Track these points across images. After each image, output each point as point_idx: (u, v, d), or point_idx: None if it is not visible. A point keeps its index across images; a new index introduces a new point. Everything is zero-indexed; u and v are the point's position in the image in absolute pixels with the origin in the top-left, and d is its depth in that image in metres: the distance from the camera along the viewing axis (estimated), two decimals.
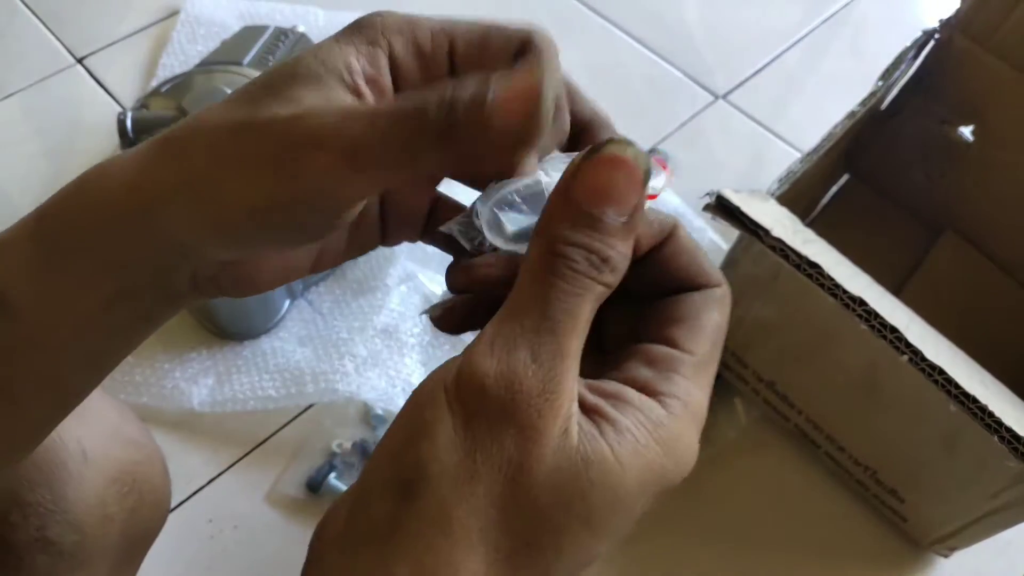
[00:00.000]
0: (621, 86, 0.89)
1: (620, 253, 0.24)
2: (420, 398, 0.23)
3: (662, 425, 0.25)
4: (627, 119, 0.86)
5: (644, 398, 0.25)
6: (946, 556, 0.61)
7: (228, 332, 0.67)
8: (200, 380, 0.65)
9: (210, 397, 0.64)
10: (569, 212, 0.24)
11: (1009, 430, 0.44)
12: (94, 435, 0.40)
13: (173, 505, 0.61)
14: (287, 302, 0.69)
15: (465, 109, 0.24)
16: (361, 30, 0.26)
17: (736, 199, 0.48)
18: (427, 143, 0.24)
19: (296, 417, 0.65)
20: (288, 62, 0.26)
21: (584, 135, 0.30)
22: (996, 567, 0.62)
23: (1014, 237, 0.73)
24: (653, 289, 0.28)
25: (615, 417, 0.24)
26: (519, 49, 0.28)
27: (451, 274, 0.29)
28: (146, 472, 0.43)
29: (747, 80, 0.91)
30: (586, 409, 0.24)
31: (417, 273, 0.72)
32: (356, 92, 0.25)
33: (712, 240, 0.76)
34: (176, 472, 0.62)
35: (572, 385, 0.23)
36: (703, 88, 0.90)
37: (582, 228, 0.24)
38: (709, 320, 0.27)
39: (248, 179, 0.24)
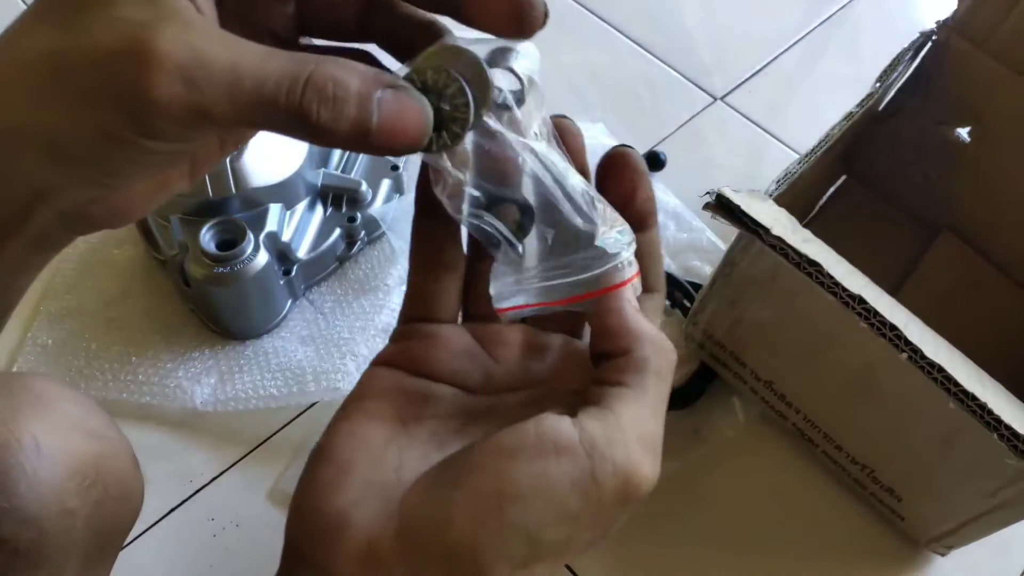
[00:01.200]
0: (620, 87, 0.90)
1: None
2: (560, 482, 0.24)
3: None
4: (626, 120, 0.86)
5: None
6: (943, 554, 0.61)
7: (230, 331, 0.68)
8: (203, 379, 0.65)
9: (212, 396, 0.65)
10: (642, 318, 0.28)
11: (1008, 427, 0.45)
12: (50, 430, 0.39)
13: (175, 504, 0.61)
14: (289, 302, 0.69)
15: (347, 129, 0.24)
16: None
17: (736, 198, 0.49)
18: (286, 129, 0.24)
19: (298, 416, 0.65)
20: None
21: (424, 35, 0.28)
22: (993, 566, 0.63)
23: (1011, 237, 0.73)
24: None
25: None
26: None
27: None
28: (110, 464, 0.41)
29: (745, 82, 0.92)
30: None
31: None
32: None
33: (710, 240, 0.76)
34: (178, 471, 0.63)
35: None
36: (701, 90, 0.91)
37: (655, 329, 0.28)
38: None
39: (81, 119, 0.23)
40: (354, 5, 0.29)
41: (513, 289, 0.28)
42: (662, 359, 0.27)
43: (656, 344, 0.27)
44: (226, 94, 0.22)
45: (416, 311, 0.32)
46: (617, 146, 0.30)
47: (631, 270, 0.28)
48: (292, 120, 0.23)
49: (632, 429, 0.25)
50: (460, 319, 0.33)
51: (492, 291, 0.28)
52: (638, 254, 0.29)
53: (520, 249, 0.28)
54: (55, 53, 0.23)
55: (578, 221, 0.27)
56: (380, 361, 0.31)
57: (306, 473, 0.27)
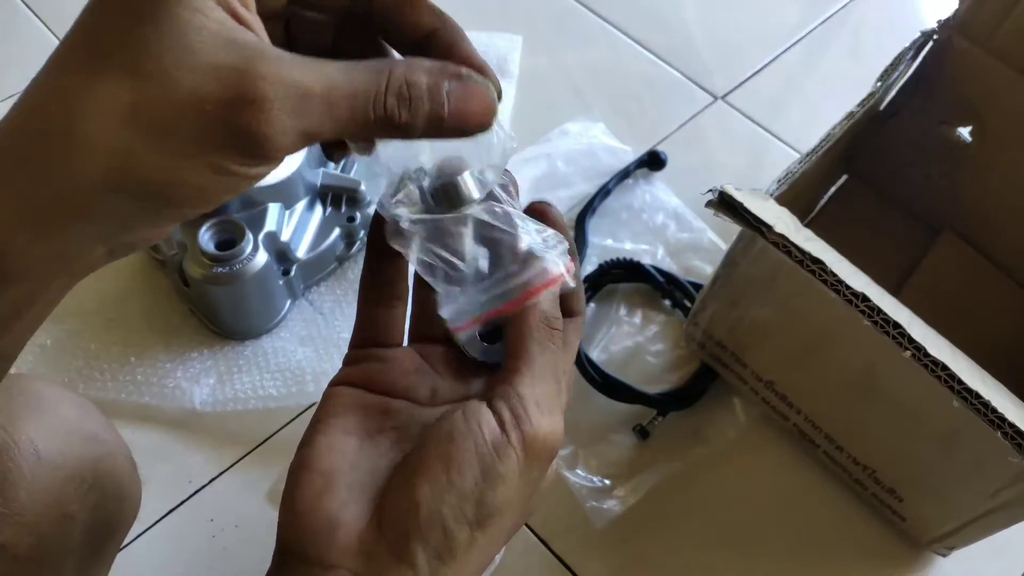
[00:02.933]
0: (619, 87, 0.90)
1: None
2: (486, 450, 0.29)
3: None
4: (626, 120, 0.86)
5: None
6: (944, 555, 0.61)
7: (230, 332, 0.67)
8: (202, 379, 0.65)
9: (211, 396, 0.65)
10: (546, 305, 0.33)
11: (1012, 425, 0.44)
12: (48, 433, 0.39)
13: (174, 504, 0.61)
14: (288, 302, 0.69)
15: (424, 123, 0.27)
16: None
17: (739, 195, 0.49)
18: (376, 132, 0.27)
19: (297, 416, 0.65)
20: (143, 14, 0.23)
21: (435, 41, 0.31)
22: (994, 566, 0.63)
23: (1012, 237, 0.73)
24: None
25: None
26: None
27: None
28: (108, 467, 0.42)
29: (746, 81, 0.92)
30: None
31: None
32: (236, 17, 0.24)
33: (711, 240, 0.76)
34: (177, 471, 0.63)
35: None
36: (702, 89, 0.90)
37: (557, 319, 0.32)
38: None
39: (192, 168, 0.24)
40: (329, 32, 0.32)
41: (462, 309, 0.33)
42: (544, 332, 0.32)
43: (538, 316, 0.32)
44: (328, 116, 0.25)
45: (368, 337, 0.36)
46: (537, 202, 0.36)
47: (556, 270, 0.33)
48: (380, 125, 0.27)
49: (529, 397, 0.30)
50: (406, 342, 0.37)
51: (444, 314, 0.33)
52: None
53: (463, 267, 0.33)
54: (144, 106, 0.23)
55: (508, 237, 0.33)
56: (339, 381, 0.34)
57: (293, 483, 0.30)
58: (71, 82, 0.24)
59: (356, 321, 0.36)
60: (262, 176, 0.26)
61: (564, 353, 0.33)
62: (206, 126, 0.23)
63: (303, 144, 0.25)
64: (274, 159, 0.25)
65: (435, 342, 0.36)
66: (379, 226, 0.34)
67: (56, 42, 1.02)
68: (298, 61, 0.25)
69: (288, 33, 0.31)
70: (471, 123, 0.29)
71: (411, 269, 0.36)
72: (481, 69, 0.30)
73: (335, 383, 0.34)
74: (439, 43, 0.31)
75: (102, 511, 0.41)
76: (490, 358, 0.35)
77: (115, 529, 0.44)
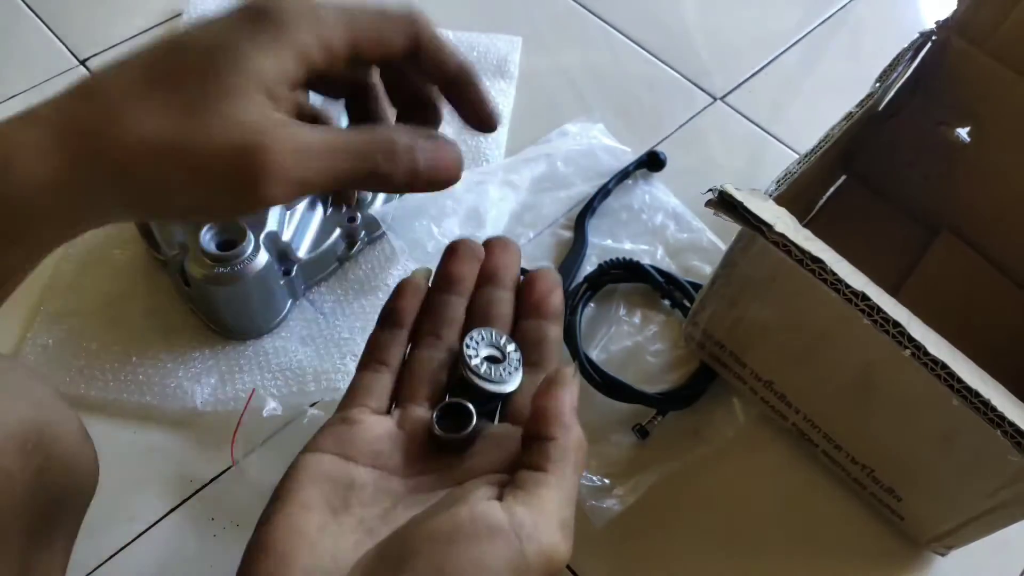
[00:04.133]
0: (619, 87, 0.90)
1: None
2: (498, 565, 0.27)
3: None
4: (626, 120, 0.86)
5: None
6: (943, 554, 0.62)
7: (231, 331, 0.68)
8: (203, 379, 0.66)
9: (213, 396, 0.65)
10: (570, 404, 0.33)
11: (1012, 424, 0.45)
12: None
13: (176, 503, 0.62)
14: (289, 302, 0.69)
15: (402, 174, 0.32)
16: (271, 30, 0.29)
17: (739, 195, 0.49)
18: (362, 183, 0.32)
19: (298, 416, 0.65)
20: (217, 70, 0.28)
21: (454, 88, 0.35)
22: (993, 565, 0.63)
23: (1011, 238, 0.73)
24: None
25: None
26: (411, 43, 0.33)
27: None
28: (55, 432, 0.41)
29: (745, 82, 0.92)
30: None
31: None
32: (277, 99, 0.29)
33: (710, 240, 0.77)
34: (178, 471, 0.63)
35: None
36: (701, 90, 0.91)
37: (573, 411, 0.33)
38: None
39: (196, 196, 0.29)
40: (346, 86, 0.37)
41: None
42: (581, 454, 0.32)
43: (579, 439, 0.32)
44: (328, 175, 0.30)
45: (351, 400, 0.37)
46: (538, 270, 0.41)
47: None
48: (368, 176, 0.31)
49: (555, 515, 0.29)
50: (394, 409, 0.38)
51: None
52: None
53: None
54: (182, 140, 0.27)
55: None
56: (309, 448, 0.34)
57: (247, 564, 0.29)
58: (127, 107, 0.28)
59: (348, 388, 0.38)
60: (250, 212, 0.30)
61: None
62: (222, 166, 0.28)
63: (301, 195, 0.30)
64: (267, 203, 0.29)
65: (418, 409, 0.37)
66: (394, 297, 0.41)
67: (59, 44, 1.01)
68: (307, 127, 0.29)
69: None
70: (441, 176, 0.33)
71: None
72: (488, 116, 0.36)
73: (304, 450, 0.34)
74: (456, 90, 0.36)
75: (47, 477, 0.40)
76: (451, 448, 0.35)
77: (65, 501, 0.43)
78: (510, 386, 0.37)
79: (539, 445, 0.31)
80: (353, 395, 0.37)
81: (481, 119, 0.36)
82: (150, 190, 0.28)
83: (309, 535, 0.29)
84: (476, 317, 0.41)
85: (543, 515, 0.28)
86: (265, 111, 0.28)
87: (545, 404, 0.32)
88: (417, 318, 0.42)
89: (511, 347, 0.39)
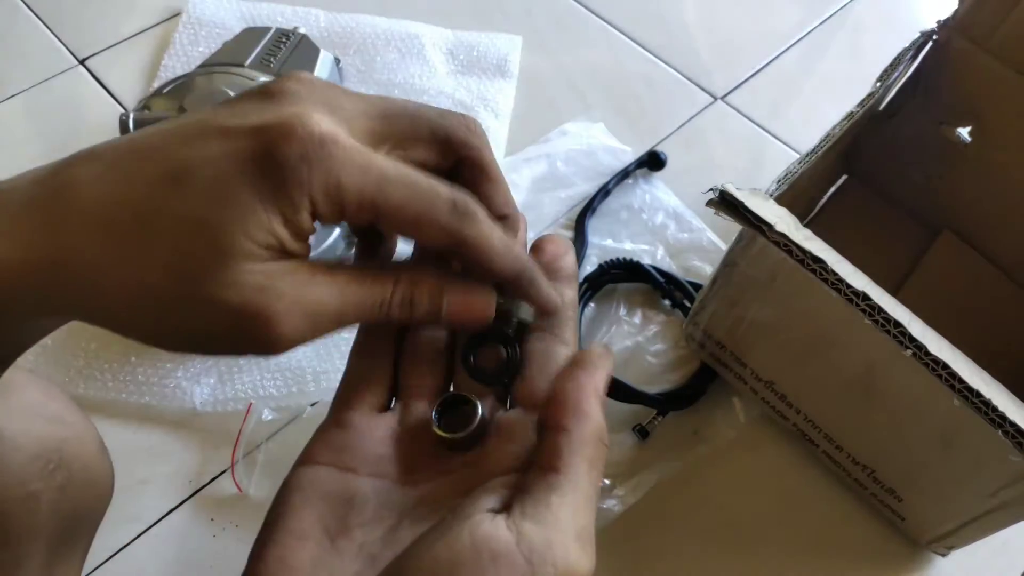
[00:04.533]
0: (619, 87, 0.90)
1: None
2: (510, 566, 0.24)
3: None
4: (626, 120, 0.86)
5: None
6: (944, 555, 0.61)
7: None
8: (202, 379, 0.65)
9: (212, 396, 0.65)
10: (596, 392, 0.29)
11: (1013, 424, 0.45)
12: (11, 414, 0.38)
13: (175, 504, 0.61)
14: None
15: (423, 315, 0.29)
16: (282, 183, 0.25)
17: (739, 194, 0.49)
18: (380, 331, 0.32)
19: (297, 416, 0.65)
20: (211, 225, 0.24)
21: (510, 286, 0.32)
22: (994, 566, 0.63)
23: (1012, 238, 0.73)
24: None
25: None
26: (454, 234, 0.28)
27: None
28: (75, 449, 0.41)
29: (745, 81, 0.92)
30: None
31: None
32: (283, 253, 0.26)
33: (711, 240, 0.76)
34: (178, 471, 0.63)
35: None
36: (701, 89, 0.91)
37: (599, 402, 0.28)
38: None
39: (186, 345, 0.26)
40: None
41: None
42: (597, 449, 0.27)
43: (596, 430, 0.27)
44: (335, 324, 0.27)
45: (347, 401, 0.33)
46: (547, 235, 0.35)
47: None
48: (383, 321, 0.29)
49: (569, 525, 0.25)
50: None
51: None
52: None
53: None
54: (170, 296, 0.24)
55: None
56: (302, 460, 0.31)
57: None
58: (112, 251, 0.25)
59: (337, 388, 0.35)
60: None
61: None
62: (217, 326, 0.25)
63: (308, 340, 0.27)
64: (274, 353, 0.26)
65: (420, 404, 0.33)
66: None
67: (58, 43, 1.01)
68: (316, 280, 0.26)
69: None
70: (465, 322, 0.30)
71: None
72: (505, 212, 0.31)
73: (299, 462, 0.31)
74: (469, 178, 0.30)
75: (70, 493, 0.40)
76: (457, 447, 0.31)
77: (85, 513, 0.43)
78: (524, 312, 0.32)
79: (550, 438, 0.27)
80: (348, 391, 0.34)
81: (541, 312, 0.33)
82: (132, 331, 0.26)
83: (302, 570, 0.27)
84: None
85: (556, 529, 0.24)
86: (268, 269, 0.25)
87: (562, 387, 0.28)
88: None
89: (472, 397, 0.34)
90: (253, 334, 0.25)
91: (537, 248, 0.35)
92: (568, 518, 0.25)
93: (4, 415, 0.38)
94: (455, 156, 0.29)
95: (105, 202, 0.24)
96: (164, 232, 0.24)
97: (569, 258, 0.35)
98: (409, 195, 0.26)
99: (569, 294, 0.34)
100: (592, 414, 0.27)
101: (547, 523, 0.24)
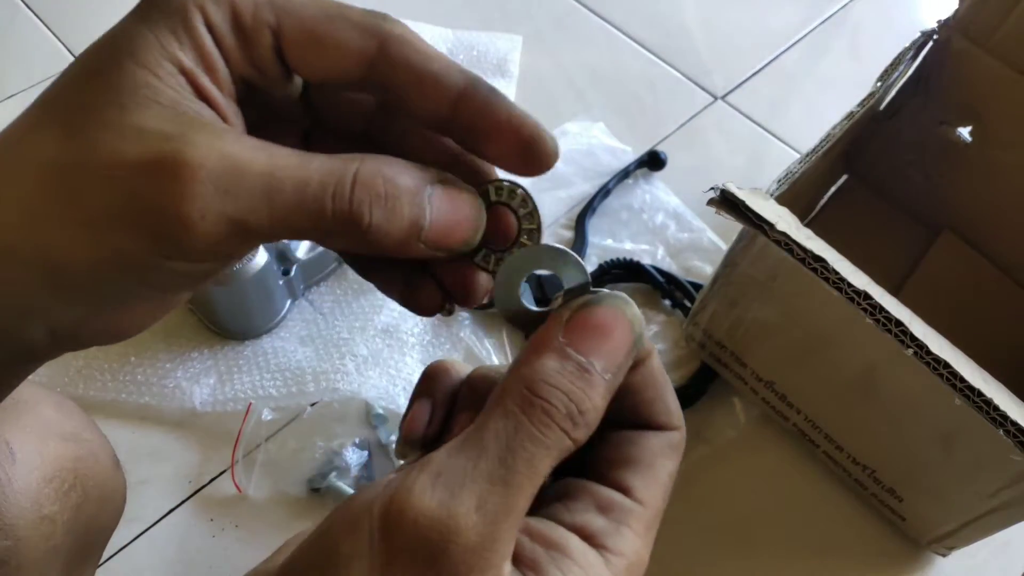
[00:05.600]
0: (619, 87, 0.90)
1: (597, 408, 0.23)
2: (341, 520, 0.21)
3: None
4: (626, 120, 0.86)
5: (588, 552, 0.23)
6: (944, 555, 0.61)
7: (230, 332, 0.67)
8: (202, 379, 0.65)
9: (211, 396, 0.65)
10: (556, 353, 0.22)
11: (1014, 423, 0.45)
12: (25, 435, 0.38)
13: (174, 504, 0.61)
14: (288, 302, 0.69)
15: (401, 230, 0.22)
16: (170, 4, 0.21)
17: (740, 193, 0.49)
18: (333, 236, 0.22)
19: (297, 416, 0.65)
20: (98, 67, 0.21)
21: (467, 106, 0.24)
22: (994, 566, 0.63)
23: (1012, 237, 0.73)
24: (608, 417, 0.24)
25: (549, 573, 0.22)
26: (375, 53, 0.23)
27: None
28: (89, 467, 0.41)
29: (746, 81, 0.92)
30: (522, 562, 0.22)
31: None
32: (197, 89, 0.22)
33: (711, 240, 0.76)
34: (177, 471, 0.63)
35: (510, 546, 0.21)
36: (702, 89, 0.90)
37: (568, 373, 0.22)
38: (664, 469, 0.25)
39: (93, 245, 0.20)
40: (364, 113, 0.26)
41: None
42: (677, 462, 0.25)
43: (679, 441, 0.25)
44: (264, 201, 0.20)
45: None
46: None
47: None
48: (342, 225, 0.21)
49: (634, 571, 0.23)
50: None
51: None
52: (650, 388, 0.26)
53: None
54: (60, 166, 0.20)
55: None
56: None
57: None
58: (9, 133, 0.21)
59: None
60: (182, 277, 0.22)
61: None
62: (116, 198, 0.20)
63: (231, 237, 0.20)
64: (194, 251, 0.20)
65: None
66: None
67: (58, 43, 1.02)
68: (245, 138, 0.21)
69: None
70: (454, 237, 0.23)
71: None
72: (524, 126, 0.24)
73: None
74: (473, 112, 0.24)
75: (85, 511, 0.40)
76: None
77: (99, 529, 0.43)
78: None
79: (630, 447, 0.25)
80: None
81: (526, 155, 0.24)
82: (48, 260, 0.21)
83: None
84: None
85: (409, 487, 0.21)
86: (177, 109, 0.21)
87: (648, 386, 0.26)
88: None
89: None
90: (159, 200, 0.20)
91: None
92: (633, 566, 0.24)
93: (19, 435, 0.37)
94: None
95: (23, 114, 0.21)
96: (53, 98, 0.21)
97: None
98: (311, 8, 0.23)
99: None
100: (678, 413, 0.26)
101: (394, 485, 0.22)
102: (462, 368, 0.28)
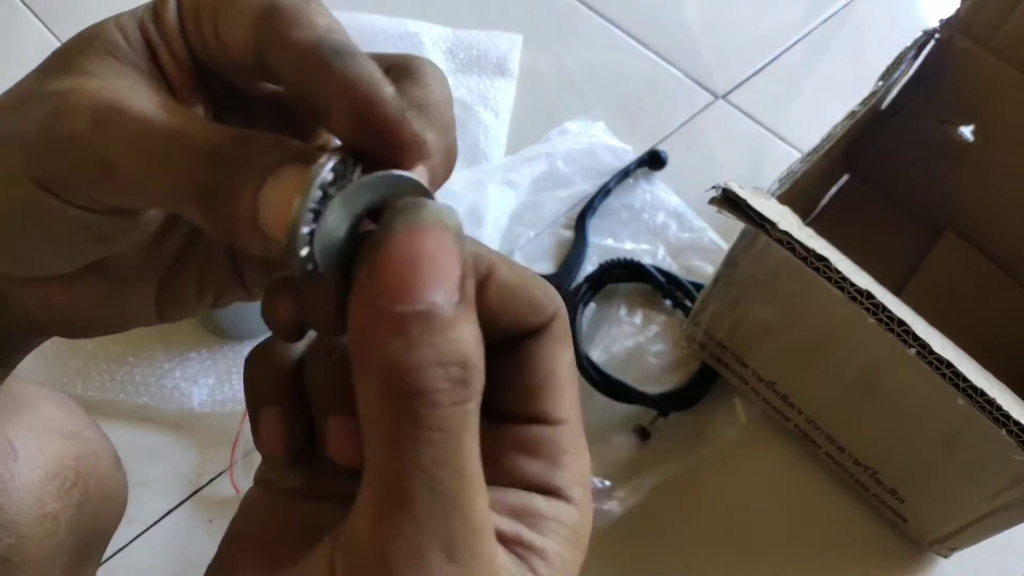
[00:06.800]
0: (620, 86, 0.89)
1: (473, 343, 0.18)
2: None
3: (578, 526, 0.22)
4: (626, 119, 0.86)
5: (552, 502, 0.21)
6: (946, 556, 0.61)
7: (228, 332, 0.67)
8: (200, 380, 0.65)
9: (210, 397, 0.64)
10: (391, 325, 0.17)
11: (1017, 423, 0.44)
12: (27, 432, 0.38)
13: (173, 505, 0.61)
14: None
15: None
16: None
17: (742, 192, 0.48)
18: (186, 205, 0.20)
19: None
20: (92, 27, 0.23)
21: (308, 69, 0.20)
22: (996, 567, 0.63)
23: (1015, 237, 0.73)
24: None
25: (540, 546, 0.20)
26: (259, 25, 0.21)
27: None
28: (91, 466, 0.41)
29: (747, 80, 0.91)
30: (507, 541, 0.20)
31: None
32: (155, 60, 0.22)
33: (712, 240, 0.76)
34: (176, 472, 0.63)
35: (496, 553, 0.19)
36: (703, 88, 0.90)
37: (419, 338, 0.17)
38: (562, 369, 0.22)
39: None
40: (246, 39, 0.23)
41: None
42: (570, 348, 0.23)
43: (559, 326, 0.22)
44: (127, 144, 0.20)
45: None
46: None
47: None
48: (199, 195, 0.20)
49: (589, 491, 0.22)
50: None
51: None
52: (510, 298, 0.22)
53: None
54: (21, 94, 0.22)
55: None
56: (260, 477, 0.25)
57: None
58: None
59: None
60: (90, 245, 0.22)
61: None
62: (29, 120, 0.21)
63: (97, 174, 0.20)
64: (68, 183, 0.20)
65: None
66: None
67: (56, 41, 1.02)
68: (150, 92, 0.21)
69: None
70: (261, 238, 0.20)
71: None
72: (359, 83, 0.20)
73: (257, 478, 0.25)
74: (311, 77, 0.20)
75: (87, 510, 0.40)
76: None
77: (102, 528, 0.43)
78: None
79: (540, 440, 0.22)
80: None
81: (363, 126, 0.20)
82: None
83: None
84: None
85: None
86: (120, 61, 0.21)
87: (539, 370, 0.22)
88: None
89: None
90: (48, 122, 0.20)
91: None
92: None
93: (20, 433, 0.37)
94: None
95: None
96: (57, 49, 0.23)
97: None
98: None
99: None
100: (575, 401, 0.23)
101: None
102: (285, 350, 0.24)
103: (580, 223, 0.76)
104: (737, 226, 0.52)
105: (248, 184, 0.19)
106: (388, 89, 0.20)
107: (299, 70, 0.20)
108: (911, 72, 0.69)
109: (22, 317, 0.25)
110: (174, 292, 0.26)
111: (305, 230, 0.19)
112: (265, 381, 0.23)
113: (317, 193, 0.19)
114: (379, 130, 0.20)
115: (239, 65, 0.22)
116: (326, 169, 0.19)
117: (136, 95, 0.21)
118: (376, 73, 0.20)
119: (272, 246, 0.19)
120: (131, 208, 0.22)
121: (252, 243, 0.20)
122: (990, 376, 0.49)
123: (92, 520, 0.41)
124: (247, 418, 0.62)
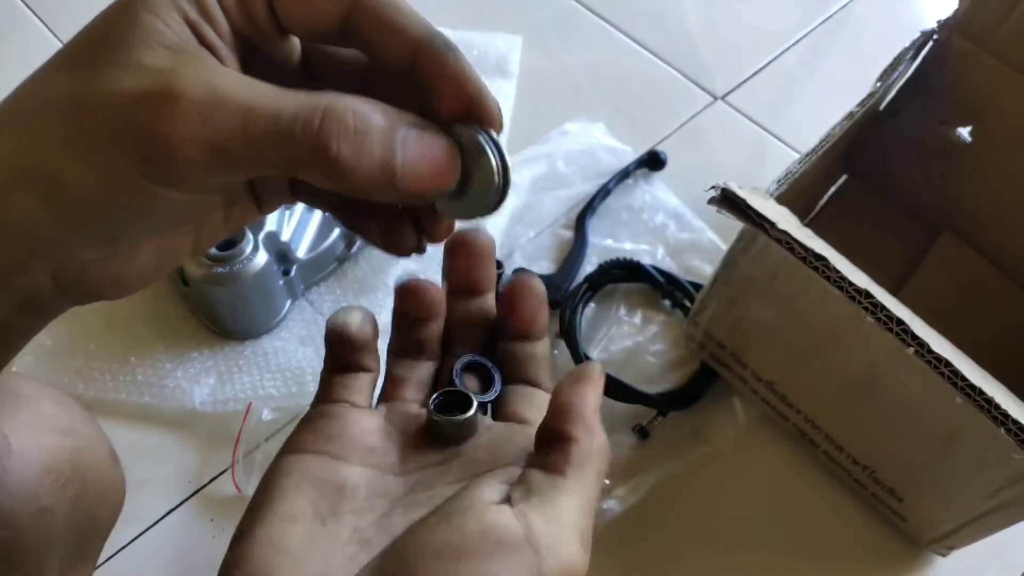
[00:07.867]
0: (619, 87, 0.90)
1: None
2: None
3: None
4: (626, 120, 0.86)
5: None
6: (944, 555, 0.61)
7: (229, 332, 0.67)
8: (202, 379, 0.65)
9: (212, 396, 0.65)
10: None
11: (1015, 422, 0.44)
12: (22, 427, 0.38)
13: (174, 504, 0.61)
14: (288, 302, 0.69)
15: (371, 167, 0.23)
16: None
17: (741, 192, 0.49)
18: (305, 167, 0.23)
19: (297, 416, 0.65)
20: (114, 16, 0.23)
21: (422, 57, 0.26)
22: (994, 566, 0.63)
23: (1013, 237, 0.73)
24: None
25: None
26: (351, 4, 0.25)
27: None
28: (87, 460, 0.41)
29: (746, 81, 0.92)
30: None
31: (418, 274, 0.72)
32: (200, 37, 0.24)
33: (711, 240, 0.76)
34: (177, 471, 0.63)
35: None
36: (702, 89, 0.90)
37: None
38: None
39: (92, 164, 0.22)
40: (358, 74, 0.28)
41: None
42: (604, 461, 0.28)
43: (602, 444, 0.28)
44: (239, 129, 0.22)
45: (329, 396, 0.32)
46: (519, 273, 0.31)
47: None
48: (310, 156, 0.22)
49: (573, 524, 0.25)
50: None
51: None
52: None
53: None
54: (71, 97, 0.22)
55: None
56: (290, 448, 0.30)
57: None
58: (30, 76, 0.24)
59: (321, 380, 0.33)
60: (172, 209, 0.24)
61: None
62: (114, 123, 0.22)
63: (216, 164, 0.22)
64: (179, 175, 0.22)
65: (406, 404, 0.33)
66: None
67: (57, 42, 1.02)
68: (232, 74, 0.23)
69: None
70: (426, 181, 0.24)
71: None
72: (474, 93, 0.26)
73: (285, 450, 0.30)
74: (426, 64, 0.26)
75: (83, 505, 0.40)
76: (449, 437, 0.31)
77: (98, 523, 0.43)
78: (491, 395, 0.34)
79: (559, 447, 0.27)
80: (329, 391, 0.33)
81: (472, 109, 0.26)
82: (64, 182, 0.22)
83: (292, 551, 0.26)
84: (455, 333, 0.37)
85: (562, 526, 0.25)
86: (175, 53, 0.22)
87: (569, 401, 0.28)
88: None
89: (489, 363, 0.36)
90: (148, 124, 0.22)
91: (509, 301, 0.34)
92: (574, 519, 0.25)
93: (16, 428, 0.38)
94: None
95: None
96: (75, 44, 0.24)
97: (543, 317, 0.34)
98: None
99: (542, 348, 0.34)
100: (596, 428, 0.28)
101: (554, 520, 0.25)
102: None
103: (580, 223, 0.76)
104: (736, 226, 0.53)
105: (375, 147, 0.23)
106: (485, 84, 0.26)
107: (412, 58, 0.25)
108: (909, 73, 0.69)
109: (77, 292, 0.26)
110: (208, 226, 0.28)
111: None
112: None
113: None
114: (481, 115, 0.26)
115: (314, 34, 0.26)
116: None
117: (222, 80, 0.22)
118: (475, 70, 0.26)
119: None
120: (238, 180, 0.25)
121: (394, 198, 0.25)
122: (988, 375, 0.49)
123: (89, 515, 0.41)
124: (247, 418, 0.63)
